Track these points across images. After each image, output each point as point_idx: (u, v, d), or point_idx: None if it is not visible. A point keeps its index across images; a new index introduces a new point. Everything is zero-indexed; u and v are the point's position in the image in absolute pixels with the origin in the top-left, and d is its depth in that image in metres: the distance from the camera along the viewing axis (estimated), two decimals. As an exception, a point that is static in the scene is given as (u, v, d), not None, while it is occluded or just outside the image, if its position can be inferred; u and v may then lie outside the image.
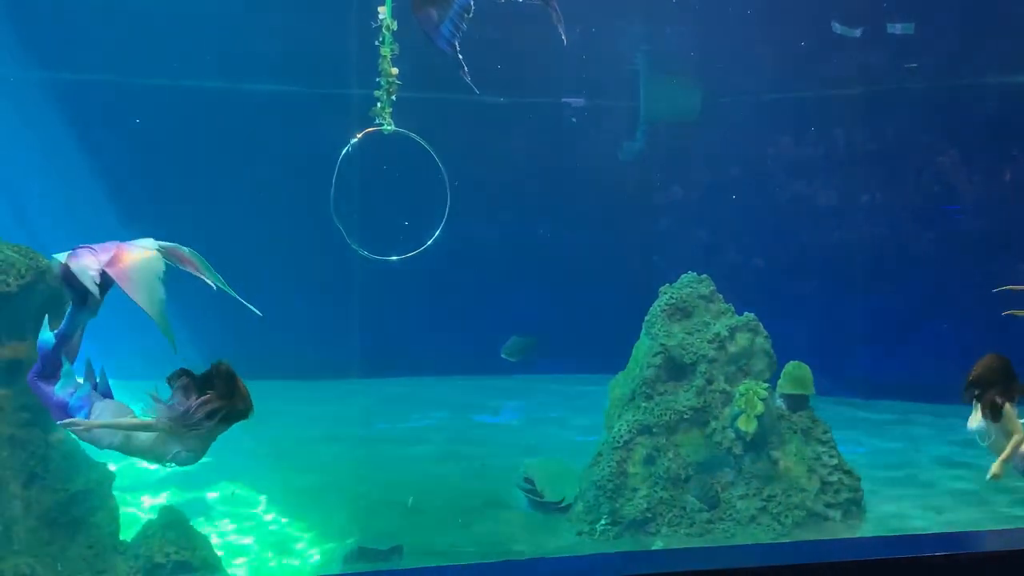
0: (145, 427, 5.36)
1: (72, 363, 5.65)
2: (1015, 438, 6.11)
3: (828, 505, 10.40)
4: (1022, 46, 16.59)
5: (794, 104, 18.53)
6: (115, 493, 8.39)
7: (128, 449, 5.51)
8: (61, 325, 5.59)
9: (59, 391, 5.58)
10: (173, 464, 5.50)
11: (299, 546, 9.83)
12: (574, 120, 18.83)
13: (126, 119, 17.03)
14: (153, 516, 8.89)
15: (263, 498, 10.84)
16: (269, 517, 10.47)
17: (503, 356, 13.49)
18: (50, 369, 5.61)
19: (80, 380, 5.63)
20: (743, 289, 12.35)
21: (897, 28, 17.12)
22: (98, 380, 5.72)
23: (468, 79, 6.83)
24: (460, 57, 6.66)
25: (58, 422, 5.67)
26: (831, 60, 17.65)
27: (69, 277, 5.46)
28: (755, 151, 19.02)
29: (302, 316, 17.43)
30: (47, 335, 5.66)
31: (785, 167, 18.91)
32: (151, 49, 16.73)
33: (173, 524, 8.65)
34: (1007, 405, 6.01)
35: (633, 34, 18.42)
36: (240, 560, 9.47)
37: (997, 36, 16.57)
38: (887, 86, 17.82)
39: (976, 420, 6.15)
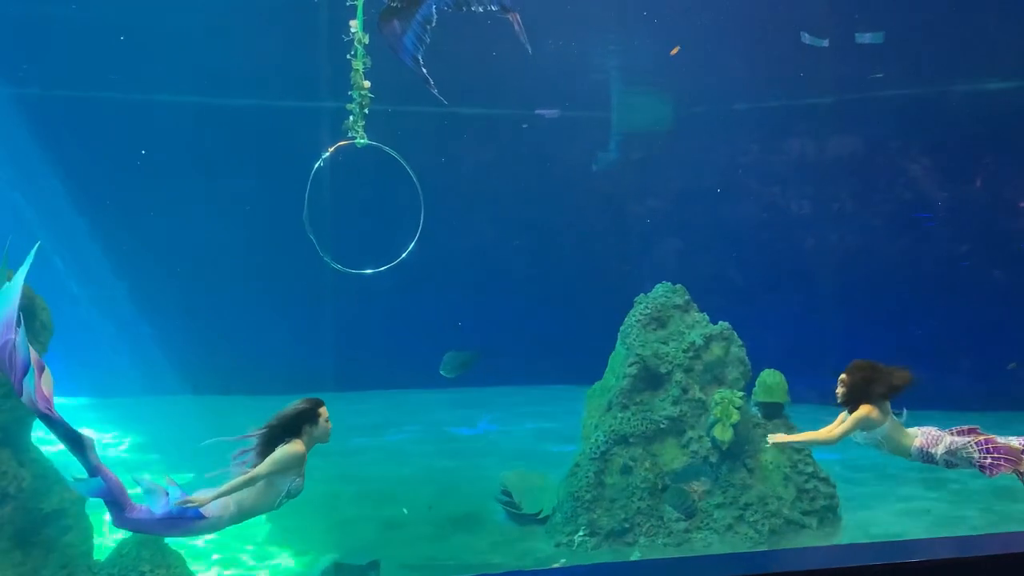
0: (250, 480, 5.47)
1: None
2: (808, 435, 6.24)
3: (804, 513, 10.44)
4: (991, 54, 16.78)
5: (766, 114, 18.65)
6: (88, 512, 8.31)
7: (243, 514, 5.59)
8: (86, 468, 5.43)
9: (156, 510, 5.49)
10: (288, 500, 5.64)
11: (276, 562, 9.76)
12: (525, 126, 18.82)
13: (99, 134, 16.95)
14: (127, 535, 8.80)
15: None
16: (244, 533, 10.38)
17: (441, 373, 13.42)
18: (119, 500, 5.48)
19: (158, 486, 5.51)
20: (717, 298, 12.39)
21: (866, 38, 17.26)
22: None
23: (435, 91, 6.84)
24: (424, 70, 6.69)
25: (176, 534, 5.65)
26: (802, 70, 17.78)
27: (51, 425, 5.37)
28: (728, 161, 19.13)
29: (275, 330, 17.38)
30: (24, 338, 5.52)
31: (758, 176, 19.03)
32: (125, 64, 16.67)
33: (147, 542, 8.57)
34: (872, 409, 6.05)
35: (605, 46, 18.49)
36: (216, 577, 9.40)
37: (966, 44, 16.75)
38: (858, 95, 17.97)
39: (860, 434, 6.22)
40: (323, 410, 5.71)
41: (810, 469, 10.63)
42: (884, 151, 18.14)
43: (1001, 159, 17.38)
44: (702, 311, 11.32)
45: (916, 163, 17.92)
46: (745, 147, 19.09)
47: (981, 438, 5.89)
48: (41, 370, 5.41)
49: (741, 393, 10.55)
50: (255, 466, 5.53)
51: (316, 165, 7.42)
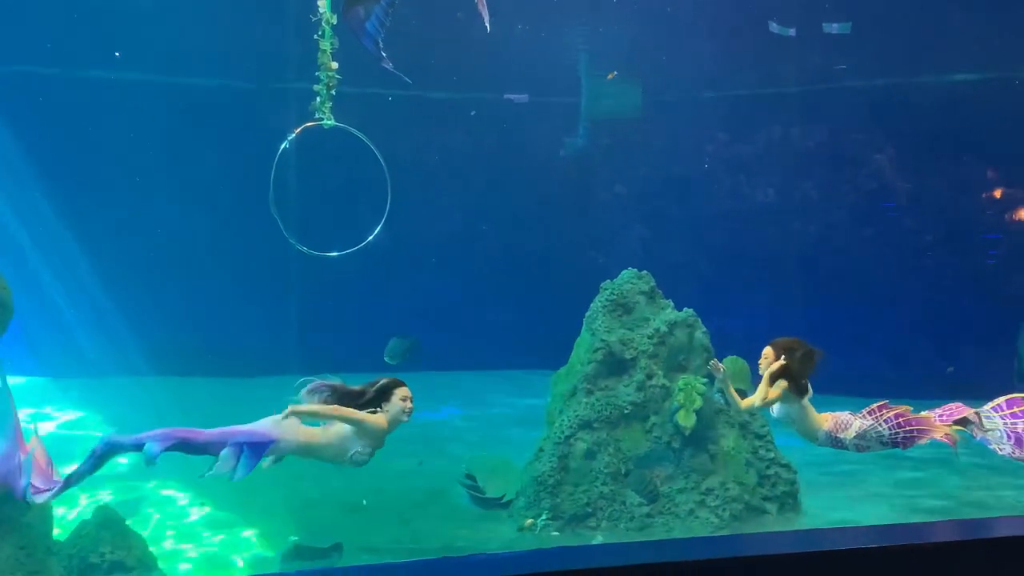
0: (344, 417, 5.65)
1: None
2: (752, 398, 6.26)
3: (765, 498, 10.54)
4: (958, 46, 16.94)
5: (733, 102, 18.73)
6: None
7: (307, 449, 5.72)
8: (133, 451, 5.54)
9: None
10: (350, 464, 5.75)
11: (237, 545, 9.73)
12: (473, 113, 18.78)
13: (63, 112, 16.74)
14: (88, 516, 8.74)
15: (198, 496, 10.71)
16: (206, 516, 10.34)
17: (386, 360, 13.39)
18: (182, 439, 5.59)
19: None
20: (682, 285, 12.44)
21: (834, 28, 17.36)
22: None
23: (391, 67, 6.83)
24: (384, 54, 6.68)
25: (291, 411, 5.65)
26: (770, 59, 17.87)
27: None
28: (696, 148, 19.20)
29: (239, 312, 17.26)
30: None
31: (725, 164, 19.12)
32: (87, 42, 16.45)
33: (108, 523, 8.52)
34: (789, 385, 6.09)
35: (574, 31, 18.48)
36: (176, 559, 9.35)
37: (933, 36, 16.90)
38: (825, 85, 18.09)
39: (778, 406, 6.24)
40: (401, 390, 5.90)
41: (771, 455, 10.74)
42: (850, 141, 18.28)
43: (966, 151, 17.57)
44: (667, 298, 11.36)
45: (882, 153, 18.08)
46: (712, 135, 19.16)
47: (890, 414, 5.85)
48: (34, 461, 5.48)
49: (704, 379, 10.61)
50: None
51: (282, 146, 7.37)
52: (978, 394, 6.22)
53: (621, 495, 10.33)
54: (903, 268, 17.68)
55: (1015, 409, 5.75)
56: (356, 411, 5.69)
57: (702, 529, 10.08)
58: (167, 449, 5.52)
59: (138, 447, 5.49)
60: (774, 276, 17.83)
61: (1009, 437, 5.66)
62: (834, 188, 18.41)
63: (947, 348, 16.93)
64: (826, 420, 6.11)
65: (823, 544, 3.25)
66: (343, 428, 5.71)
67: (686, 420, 10.36)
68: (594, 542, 9.85)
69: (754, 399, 6.33)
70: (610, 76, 18.36)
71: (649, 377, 10.70)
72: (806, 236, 18.35)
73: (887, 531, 3.78)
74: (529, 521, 10.10)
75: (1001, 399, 5.78)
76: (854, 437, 5.96)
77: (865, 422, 5.92)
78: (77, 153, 16.81)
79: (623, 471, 10.44)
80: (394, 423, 5.87)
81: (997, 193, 17.96)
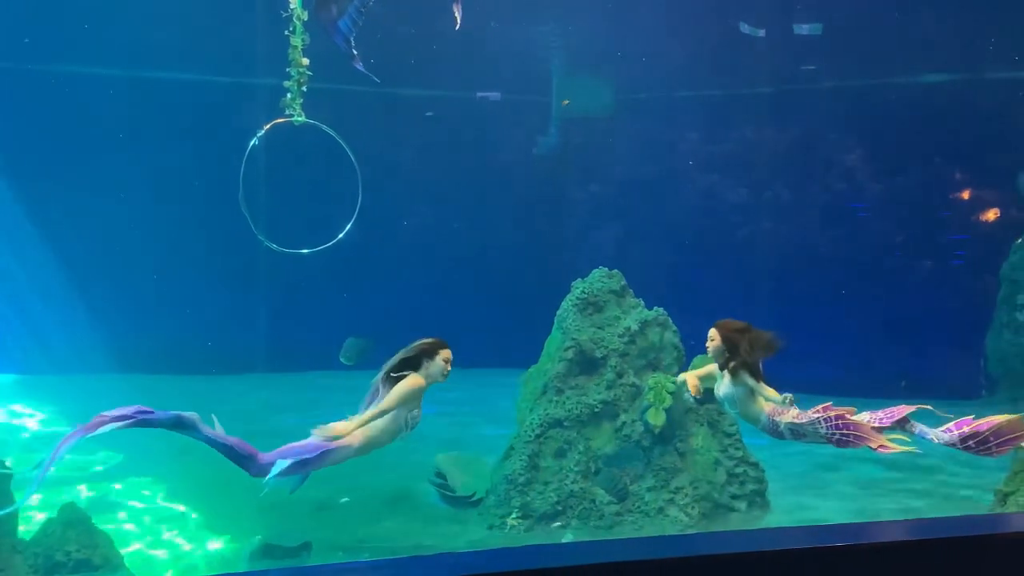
0: (380, 412, 5.70)
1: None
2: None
3: (734, 496, 10.59)
4: (927, 47, 17.09)
5: (705, 102, 18.80)
6: (13, 491, 8.14)
7: (369, 445, 5.76)
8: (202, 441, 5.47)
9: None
10: (408, 432, 5.85)
11: (205, 544, 9.66)
12: (429, 114, 18.75)
13: (29, 107, 16.56)
14: (53, 514, 8.66)
15: (168, 495, 10.63)
16: (174, 515, 10.27)
17: (341, 360, 13.31)
18: (246, 454, 5.57)
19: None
20: (653, 284, 12.47)
21: (804, 29, 17.47)
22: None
23: (359, 65, 6.80)
24: (355, 52, 6.66)
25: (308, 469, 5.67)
26: (741, 59, 17.95)
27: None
28: (667, 147, 19.26)
29: (206, 309, 17.14)
30: None
31: (697, 163, 19.20)
32: (56, 35, 16.28)
33: (74, 522, 8.45)
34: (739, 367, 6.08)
35: (547, 30, 18.49)
36: (143, 558, 9.27)
37: (906, 37, 17.04)
38: (796, 85, 18.20)
39: (723, 387, 6.25)
40: (445, 351, 6.00)
41: (740, 454, 10.79)
42: (821, 142, 18.41)
43: (935, 152, 17.73)
44: (638, 297, 11.39)
45: (852, 153, 18.21)
46: (684, 135, 19.23)
47: (832, 414, 5.89)
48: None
49: (674, 378, 10.64)
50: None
51: (251, 143, 7.32)
52: (946, 394, 6.27)
53: (591, 493, 10.35)
54: (873, 267, 17.82)
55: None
56: (392, 395, 5.73)
57: (671, 527, 10.12)
58: (231, 456, 5.55)
59: (206, 443, 5.48)
60: (745, 275, 17.92)
61: (947, 429, 5.72)
62: (805, 188, 18.53)
63: (915, 348, 17.07)
64: (767, 406, 6.12)
65: (788, 543, 3.27)
66: (383, 407, 5.76)
67: (656, 419, 10.39)
68: (564, 540, 9.85)
69: (698, 373, 6.38)
70: (564, 103, 18.55)
71: (619, 376, 10.73)
72: (777, 236, 18.47)
73: (855, 529, 3.81)
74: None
75: (951, 423, 5.82)
76: (788, 423, 5.97)
77: (804, 413, 5.95)
78: (43, 148, 16.63)
79: (593, 469, 10.46)
80: (431, 381, 5.94)
81: (965, 194, 18.15)
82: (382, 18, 6.65)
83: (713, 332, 6.16)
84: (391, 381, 5.78)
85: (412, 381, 5.80)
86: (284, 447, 5.64)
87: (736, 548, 3.16)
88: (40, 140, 16.60)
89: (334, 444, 5.63)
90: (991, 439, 5.61)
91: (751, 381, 6.00)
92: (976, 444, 5.64)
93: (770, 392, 6.01)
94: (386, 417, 5.73)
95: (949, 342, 16.92)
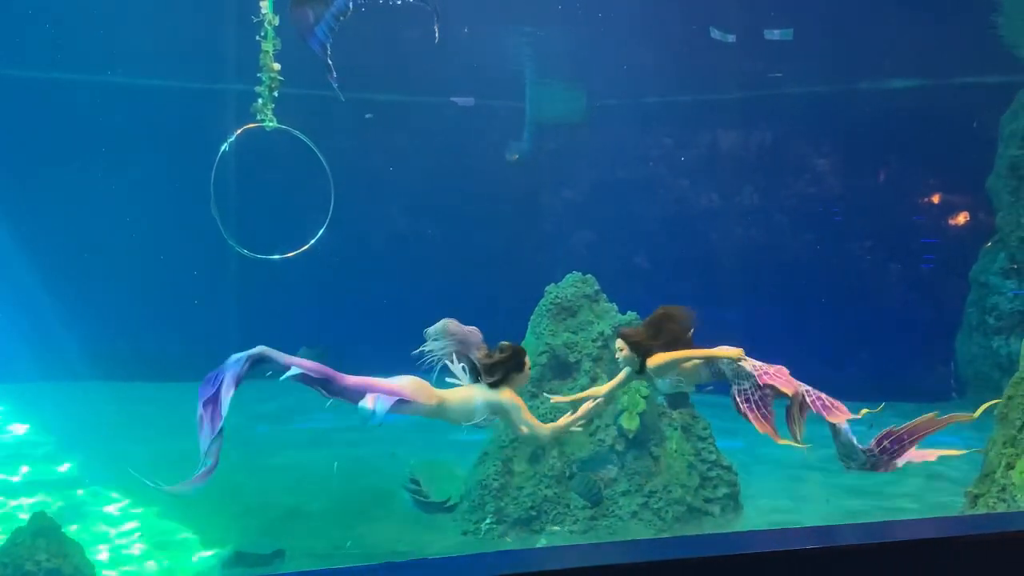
0: (530, 423, 6.07)
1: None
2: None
3: (707, 500, 10.63)
4: (897, 52, 17.23)
5: (677, 107, 18.88)
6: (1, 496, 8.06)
7: (439, 412, 5.78)
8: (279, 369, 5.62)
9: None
10: (473, 427, 5.91)
11: (177, 552, 9.58)
12: (368, 116, 18.69)
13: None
14: (23, 523, 8.56)
15: (139, 502, 10.54)
16: (146, 523, 10.18)
17: None
18: (321, 376, 5.69)
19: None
20: (627, 289, 12.50)
21: (775, 34, 17.57)
22: None
23: (335, 83, 6.78)
24: (330, 61, 6.63)
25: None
26: (711, 65, 18.03)
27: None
28: (640, 153, 19.33)
29: (178, 316, 17.02)
30: None
31: (668, 169, 19.28)
32: (25, 41, 16.14)
33: (44, 531, 8.36)
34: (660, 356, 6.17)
35: (519, 36, 18.51)
36: (115, 567, 9.18)
37: (875, 42, 17.17)
38: (766, 91, 18.31)
39: (659, 384, 6.39)
40: (527, 359, 6.20)
41: (713, 457, 10.82)
42: (791, 146, 18.53)
43: (904, 156, 17.88)
44: (611, 301, 11.41)
45: (823, 158, 18.35)
46: (656, 140, 19.31)
47: (756, 364, 6.03)
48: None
49: (647, 384, 10.65)
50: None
51: (222, 148, 7.27)
52: (916, 397, 6.30)
53: (565, 498, 10.35)
54: (843, 271, 17.95)
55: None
56: (533, 419, 6.17)
57: (645, 531, 10.14)
58: (308, 382, 5.63)
59: (284, 368, 5.63)
60: (717, 279, 18.00)
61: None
62: (775, 192, 18.65)
63: (885, 350, 17.20)
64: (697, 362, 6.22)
65: (761, 546, 3.28)
66: (470, 394, 5.85)
67: (630, 423, 10.41)
68: (538, 545, 9.85)
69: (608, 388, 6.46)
70: (513, 158, 18.72)
71: (593, 380, 10.73)
72: (747, 239, 18.57)
73: (832, 531, 3.82)
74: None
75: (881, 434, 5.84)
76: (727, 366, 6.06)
77: (745, 364, 6.04)
78: (13, 153, 16.47)
79: (567, 474, 10.46)
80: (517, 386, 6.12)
81: (935, 198, 18.32)
82: (357, 24, 6.60)
83: (620, 343, 6.21)
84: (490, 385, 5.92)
85: (522, 406, 6.09)
86: (368, 379, 5.68)
87: (709, 551, 3.17)
88: (13, 146, 16.45)
89: (411, 394, 5.64)
90: (905, 436, 5.67)
91: (667, 360, 6.07)
92: (892, 443, 5.68)
93: (693, 352, 6.10)
94: (468, 399, 5.84)
95: (919, 345, 17.06)
